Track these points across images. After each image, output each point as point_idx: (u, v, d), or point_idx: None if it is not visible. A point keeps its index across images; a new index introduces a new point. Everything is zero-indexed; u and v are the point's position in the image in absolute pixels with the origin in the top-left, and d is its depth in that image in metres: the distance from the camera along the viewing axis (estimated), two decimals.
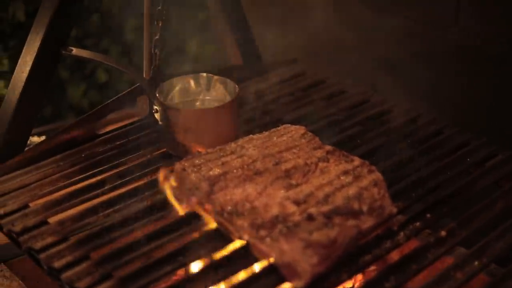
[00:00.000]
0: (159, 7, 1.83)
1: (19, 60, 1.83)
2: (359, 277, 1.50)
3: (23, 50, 1.83)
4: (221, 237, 1.48)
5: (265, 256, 1.39)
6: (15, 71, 1.83)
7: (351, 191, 1.47)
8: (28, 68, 1.80)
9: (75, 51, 1.81)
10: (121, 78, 3.28)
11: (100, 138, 1.91)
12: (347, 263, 1.40)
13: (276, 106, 2.04)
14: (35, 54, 1.79)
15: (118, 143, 1.89)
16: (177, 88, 1.85)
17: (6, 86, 3.25)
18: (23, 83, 1.79)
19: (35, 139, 2.34)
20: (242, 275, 1.38)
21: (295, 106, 2.04)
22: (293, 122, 1.75)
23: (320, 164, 1.56)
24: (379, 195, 1.49)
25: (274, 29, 2.29)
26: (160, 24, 1.82)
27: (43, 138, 2.56)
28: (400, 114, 1.99)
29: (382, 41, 2.24)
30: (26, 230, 1.56)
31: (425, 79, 2.10)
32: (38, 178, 1.76)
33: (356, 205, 1.45)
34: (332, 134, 1.86)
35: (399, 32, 2.20)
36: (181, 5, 2.41)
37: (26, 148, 1.87)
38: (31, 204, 1.67)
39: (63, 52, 1.82)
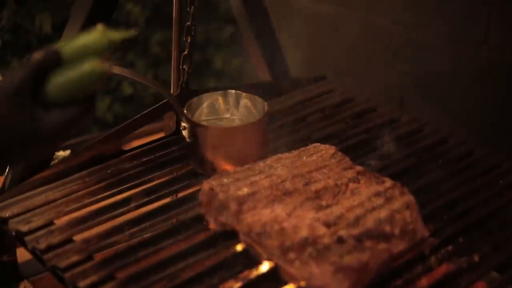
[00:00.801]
0: (188, 23, 1.81)
1: None
2: None
3: None
4: (249, 258, 1.45)
5: (295, 279, 1.36)
6: None
7: (383, 213, 1.44)
8: None
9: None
10: (147, 91, 3.28)
11: (127, 154, 1.89)
12: (378, 287, 1.37)
13: (304, 124, 2.02)
14: None
15: (144, 159, 1.87)
16: (205, 104, 1.83)
17: None
18: None
19: (60, 153, 2.33)
20: None
21: (323, 124, 2.01)
22: (321, 141, 1.73)
23: (351, 185, 1.53)
24: (411, 218, 1.46)
25: (302, 45, 2.27)
26: (189, 40, 1.80)
27: (67, 151, 2.55)
28: (430, 133, 1.96)
29: (411, 58, 2.22)
30: (50, 248, 1.54)
31: (455, 98, 2.08)
32: (64, 194, 1.74)
33: (387, 228, 1.42)
34: (361, 153, 1.83)
35: (429, 49, 2.17)
36: (210, 19, 2.41)
37: (52, 163, 1.85)
38: (56, 221, 1.65)
39: None
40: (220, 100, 1.85)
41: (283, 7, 2.48)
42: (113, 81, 3.30)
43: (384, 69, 2.27)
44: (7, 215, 1.67)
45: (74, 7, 1.80)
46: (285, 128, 1.97)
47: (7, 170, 1.82)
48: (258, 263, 1.43)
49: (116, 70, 1.80)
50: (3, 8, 3.24)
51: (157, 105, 1.90)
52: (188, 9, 1.84)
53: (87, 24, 1.76)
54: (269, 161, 1.62)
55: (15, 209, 1.68)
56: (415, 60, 2.20)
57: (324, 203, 1.48)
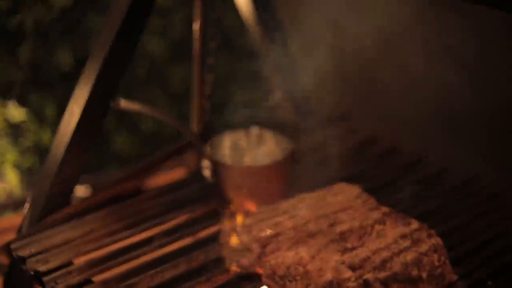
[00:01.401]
0: (210, 61, 1.80)
1: (66, 112, 1.80)
2: None
3: (70, 101, 1.79)
4: None
5: None
6: (62, 122, 1.80)
7: (410, 256, 1.40)
8: (75, 120, 1.76)
9: (124, 103, 1.77)
10: (167, 128, 3.26)
11: (147, 193, 1.86)
12: None
13: (327, 163, 1.98)
14: (83, 106, 1.75)
15: (165, 198, 1.84)
16: (227, 143, 1.81)
17: (51, 134, 3.25)
18: (70, 136, 1.75)
19: (78, 190, 2.31)
20: None
21: (347, 163, 1.98)
22: (345, 180, 1.70)
23: (377, 227, 1.49)
24: (439, 262, 1.42)
25: (325, 82, 2.25)
26: (210, 78, 1.79)
27: (84, 186, 2.53)
28: (457, 173, 1.92)
29: (436, 94, 2.18)
30: None
31: (482, 136, 2.04)
32: (83, 233, 1.71)
33: (415, 272, 1.38)
34: (386, 194, 1.80)
35: (454, 84, 2.14)
36: (231, 55, 2.39)
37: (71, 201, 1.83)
38: (75, 261, 1.62)
39: (112, 104, 1.79)
40: (243, 138, 1.83)
41: (305, 42, 2.46)
42: (133, 117, 3.29)
43: (407, 107, 2.24)
44: (26, 254, 1.64)
45: (96, 43, 1.78)
46: (307, 167, 1.94)
47: (26, 208, 1.80)
48: None
49: (138, 107, 1.78)
50: (23, 43, 3.25)
51: (178, 143, 1.88)
52: (209, 45, 1.83)
53: (110, 60, 1.74)
54: (292, 201, 1.59)
55: (34, 248, 1.66)
56: (439, 98, 2.17)
57: (349, 245, 1.45)
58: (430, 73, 2.16)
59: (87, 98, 1.75)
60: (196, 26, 1.81)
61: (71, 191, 1.82)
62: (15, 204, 2.93)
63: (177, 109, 3.27)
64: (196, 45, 1.82)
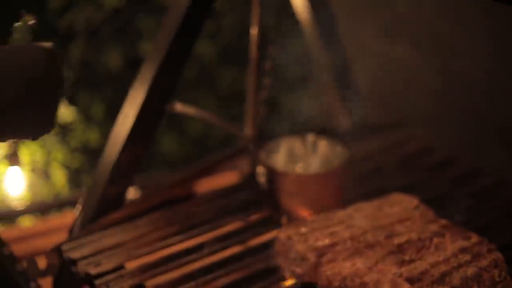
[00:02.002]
0: (267, 65, 1.78)
1: (120, 114, 1.79)
2: None
3: (125, 104, 1.78)
4: None
5: None
6: (115, 124, 1.79)
7: (470, 271, 1.37)
8: (129, 124, 1.75)
9: (179, 107, 1.76)
10: (215, 132, 3.25)
11: (199, 198, 1.85)
12: None
13: (380, 172, 1.95)
14: (138, 109, 1.74)
15: (218, 204, 1.82)
16: (282, 149, 1.79)
17: (99, 135, 3.26)
18: (124, 138, 1.75)
19: (130, 193, 2.30)
20: None
21: (403, 173, 1.95)
22: (401, 190, 1.67)
23: (435, 240, 1.46)
24: (499, 277, 1.39)
25: (378, 89, 2.22)
26: (268, 83, 1.77)
27: (135, 190, 2.52)
28: None
29: (492, 106, 2.15)
30: None
31: None
32: (134, 237, 1.70)
33: (475, 287, 1.35)
34: (442, 206, 1.76)
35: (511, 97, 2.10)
36: (288, 60, 2.37)
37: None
38: (126, 265, 1.61)
39: (167, 108, 1.77)
40: (298, 144, 1.80)
41: (358, 49, 2.44)
42: (183, 120, 3.29)
43: (463, 116, 2.20)
44: (77, 256, 1.63)
45: (153, 45, 1.78)
46: (362, 176, 1.91)
47: (78, 209, 1.80)
48: None
49: (193, 111, 1.77)
50: (74, 43, 3.27)
51: (231, 148, 1.87)
52: (266, 48, 1.81)
53: (167, 63, 1.73)
54: (348, 210, 1.56)
55: (85, 251, 1.65)
56: (496, 109, 2.13)
57: (407, 257, 1.41)
58: (486, 82, 2.13)
59: (142, 101, 1.74)
60: (253, 30, 1.79)
61: (124, 193, 1.82)
62: (62, 204, 2.93)
63: (225, 112, 3.26)
64: (253, 49, 1.79)
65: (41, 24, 3.28)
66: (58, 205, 2.94)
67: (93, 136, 3.27)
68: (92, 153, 3.28)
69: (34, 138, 1.27)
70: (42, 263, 1.68)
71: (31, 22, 1.41)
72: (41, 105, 1.22)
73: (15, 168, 3.00)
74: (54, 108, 1.24)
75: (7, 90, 1.18)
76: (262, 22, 1.82)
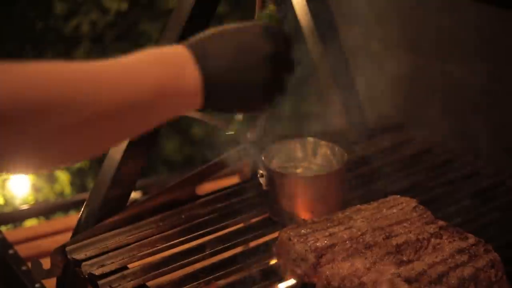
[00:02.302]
0: None
1: None
2: None
3: None
4: None
5: None
6: None
7: (467, 271, 1.39)
8: None
9: None
10: (217, 133, 3.27)
11: (201, 200, 1.87)
12: None
13: (380, 174, 1.97)
14: None
15: (219, 205, 1.84)
16: (282, 152, 1.81)
17: None
18: (127, 141, 1.77)
19: (132, 195, 2.32)
20: None
21: (401, 175, 1.96)
22: (399, 193, 1.68)
23: (433, 241, 1.48)
24: (496, 278, 1.41)
25: (377, 92, 2.24)
26: None
27: (137, 192, 2.54)
28: None
29: (489, 109, 2.16)
30: None
31: None
32: (137, 238, 1.73)
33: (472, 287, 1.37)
34: (441, 207, 1.78)
35: (507, 99, 2.12)
36: None
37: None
38: (129, 266, 1.63)
39: None
40: (298, 147, 1.82)
41: (358, 51, 2.45)
42: (183, 122, 3.31)
43: (461, 119, 2.22)
44: (81, 257, 1.66)
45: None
46: (362, 178, 1.93)
47: (81, 211, 1.82)
48: None
49: (195, 114, 1.78)
50: (78, 47, 3.29)
51: (233, 150, 1.88)
52: None
53: None
54: (348, 212, 1.58)
55: (89, 252, 1.67)
56: (493, 111, 2.15)
57: (405, 258, 1.43)
58: (482, 84, 2.14)
59: None
60: None
61: (127, 195, 1.84)
62: (66, 206, 2.96)
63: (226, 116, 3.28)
64: None
65: (47, 28, 3.32)
66: (63, 206, 2.96)
67: None
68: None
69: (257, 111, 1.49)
70: (46, 264, 1.70)
71: (272, 9, 1.48)
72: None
73: None
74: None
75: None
76: None
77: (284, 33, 1.35)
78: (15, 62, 1.00)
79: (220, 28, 1.30)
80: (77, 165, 3.41)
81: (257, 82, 1.30)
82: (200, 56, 1.22)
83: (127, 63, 1.17)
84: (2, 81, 0.97)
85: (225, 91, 1.27)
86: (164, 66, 1.19)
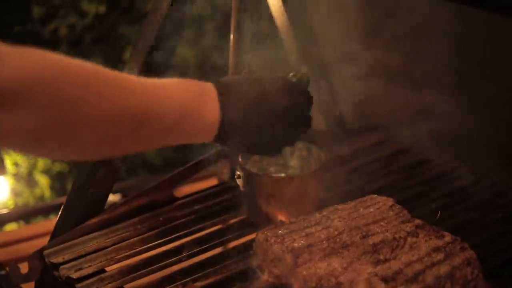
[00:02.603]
0: (245, 73, 1.80)
1: None
2: None
3: None
4: None
5: None
6: None
7: (443, 269, 1.40)
8: None
9: None
10: None
11: (179, 202, 1.87)
12: None
13: (358, 174, 1.98)
14: None
15: (197, 207, 1.85)
16: None
17: None
18: None
19: (109, 197, 2.31)
20: None
21: (378, 175, 1.98)
22: (376, 192, 1.69)
23: (409, 239, 1.49)
24: (472, 275, 1.42)
25: (355, 93, 2.24)
26: None
27: (116, 195, 2.54)
28: (488, 186, 1.92)
29: (466, 107, 2.17)
30: None
31: None
32: (115, 241, 1.73)
33: (448, 286, 1.38)
34: (417, 206, 1.79)
35: (484, 98, 2.13)
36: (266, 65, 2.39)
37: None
38: (107, 269, 1.63)
39: None
40: None
41: (336, 53, 2.46)
42: None
43: (438, 118, 2.23)
44: (59, 261, 1.65)
45: (131, 54, 1.80)
46: (338, 178, 1.94)
47: (59, 214, 1.82)
48: None
49: None
50: (56, 51, 3.27)
51: (211, 152, 1.89)
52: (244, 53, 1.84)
53: (144, 70, 1.75)
54: (325, 212, 1.58)
55: (66, 255, 1.67)
56: (470, 110, 2.16)
57: (382, 257, 1.44)
58: (463, 85, 2.15)
59: None
60: (232, 36, 1.82)
61: (105, 199, 1.83)
62: (45, 209, 2.95)
63: None
64: (232, 55, 1.82)
65: (25, 32, 3.30)
66: (43, 210, 2.95)
67: None
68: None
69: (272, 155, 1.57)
70: (25, 268, 1.69)
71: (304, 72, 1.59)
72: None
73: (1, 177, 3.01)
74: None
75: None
76: (241, 28, 1.85)
77: (307, 92, 1.47)
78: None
79: (250, 75, 1.36)
80: (57, 168, 3.40)
81: (269, 132, 1.40)
82: (223, 94, 1.27)
83: (160, 83, 1.26)
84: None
85: (238, 132, 1.34)
86: (190, 93, 1.25)
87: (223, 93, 1.31)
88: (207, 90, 1.31)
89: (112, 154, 1.30)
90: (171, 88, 1.26)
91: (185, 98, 1.26)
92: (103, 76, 1.16)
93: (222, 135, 1.33)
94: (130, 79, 1.21)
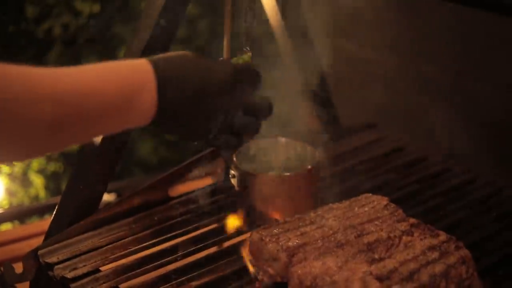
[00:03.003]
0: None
1: None
2: None
3: None
4: None
5: None
6: None
7: (438, 268, 1.39)
8: None
9: None
10: None
11: (174, 201, 1.87)
12: None
13: (353, 173, 1.98)
14: None
15: (192, 207, 1.84)
16: (254, 152, 1.81)
17: None
18: (98, 144, 1.76)
19: (104, 197, 2.31)
20: None
21: (373, 174, 1.98)
22: (371, 191, 1.69)
23: (404, 238, 1.49)
24: (467, 274, 1.42)
25: (350, 91, 2.24)
26: None
27: (111, 195, 2.53)
28: (483, 184, 1.92)
29: (461, 106, 2.18)
30: None
31: (508, 148, 2.03)
32: (110, 240, 1.72)
33: (443, 284, 1.37)
34: (412, 205, 1.79)
35: (479, 97, 2.13)
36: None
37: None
38: (102, 268, 1.63)
39: None
40: (270, 147, 1.82)
41: (331, 52, 2.46)
42: None
43: (433, 117, 2.23)
44: (53, 261, 1.65)
45: (126, 53, 1.79)
46: (334, 177, 1.94)
47: (54, 214, 1.81)
48: None
49: None
50: (50, 50, 3.27)
51: (206, 151, 1.89)
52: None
53: None
54: (320, 211, 1.58)
55: (61, 255, 1.67)
56: (465, 109, 2.17)
57: (376, 256, 1.44)
58: (458, 86, 2.16)
59: None
60: (225, 33, 1.81)
61: (99, 198, 1.83)
62: (40, 209, 2.94)
63: None
64: (225, 53, 1.81)
65: (18, 32, 3.30)
66: (37, 210, 2.95)
67: None
68: (69, 157, 3.29)
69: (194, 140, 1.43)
70: (19, 268, 1.69)
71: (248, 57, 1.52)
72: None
73: None
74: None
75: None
76: (234, 28, 1.84)
77: (251, 77, 1.40)
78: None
79: (192, 56, 1.31)
80: (52, 168, 3.39)
81: (205, 121, 1.33)
82: (162, 78, 1.23)
83: (94, 69, 1.20)
84: None
85: (175, 119, 1.28)
86: (126, 80, 1.20)
87: (161, 78, 1.24)
88: (143, 76, 1.23)
89: (30, 157, 1.25)
90: (97, 84, 1.19)
91: (113, 92, 1.18)
92: (8, 80, 1.06)
93: (159, 121, 1.29)
94: (46, 79, 1.12)
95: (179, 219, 1.80)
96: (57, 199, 1.88)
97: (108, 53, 3.23)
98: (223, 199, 1.86)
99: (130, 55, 1.77)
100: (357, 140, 2.15)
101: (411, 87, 2.27)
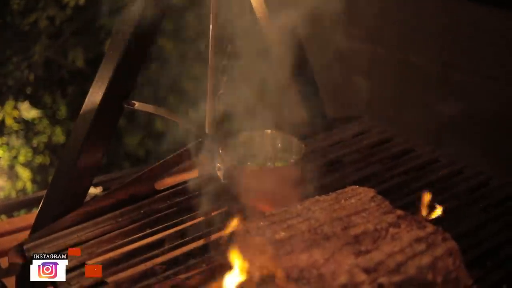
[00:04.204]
0: (225, 62, 1.79)
1: (81, 112, 1.80)
2: None
3: (85, 102, 1.79)
4: None
5: None
6: (76, 122, 1.80)
7: (425, 260, 1.39)
8: (89, 121, 1.76)
9: (137, 105, 1.77)
10: (178, 127, 3.26)
11: (160, 194, 1.86)
12: None
13: (340, 165, 1.98)
14: (97, 106, 1.75)
15: (178, 200, 1.84)
16: (241, 145, 1.80)
17: (63, 133, 3.25)
18: (84, 137, 1.75)
19: (91, 190, 2.30)
20: None
21: (360, 165, 1.97)
22: (358, 183, 1.69)
23: (391, 230, 1.48)
24: (454, 266, 1.41)
25: (337, 83, 2.24)
26: (224, 79, 1.78)
27: (98, 188, 2.52)
28: (470, 176, 1.92)
29: (448, 97, 2.18)
30: None
31: (494, 138, 2.03)
32: (96, 234, 1.71)
33: (430, 276, 1.37)
34: (399, 196, 1.79)
35: (466, 88, 2.13)
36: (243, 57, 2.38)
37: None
38: (88, 262, 1.62)
39: (126, 105, 1.78)
40: (257, 140, 1.82)
41: (318, 45, 2.45)
42: (144, 117, 3.29)
43: (420, 108, 2.23)
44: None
45: (110, 45, 1.78)
46: (321, 169, 1.93)
47: (39, 207, 1.80)
48: None
49: (151, 109, 1.78)
50: (36, 43, 3.25)
51: (191, 144, 1.88)
52: (224, 47, 1.82)
53: (123, 62, 1.74)
54: (306, 203, 1.57)
55: (47, 249, 1.66)
56: (451, 99, 2.17)
57: (363, 248, 1.43)
58: (445, 77, 2.16)
59: (100, 99, 1.75)
60: (211, 27, 1.80)
61: (85, 191, 1.82)
62: (27, 202, 2.92)
63: (186, 108, 3.27)
64: (211, 46, 1.81)
65: (4, 25, 3.28)
66: (24, 204, 2.93)
67: (57, 134, 3.27)
68: (56, 150, 3.27)
69: None
70: (5, 262, 1.68)
71: None
72: None
73: None
74: None
75: None
76: (221, 21, 1.84)
77: None
78: None
79: None
80: (38, 161, 3.38)
81: None
82: None
83: None
84: None
85: None
86: None
87: None
88: None
89: None
90: None
91: None
92: None
93: None
94: None
95: (165, 212, 1.79)
96: (44, 192, 1.87)
97: (93, 45, 3.21)
98: (210, 192, 1.85)
99: (114, 48, 1.76)
100: (344, 132, 2.14)
101: (398, 79, 2.27)
